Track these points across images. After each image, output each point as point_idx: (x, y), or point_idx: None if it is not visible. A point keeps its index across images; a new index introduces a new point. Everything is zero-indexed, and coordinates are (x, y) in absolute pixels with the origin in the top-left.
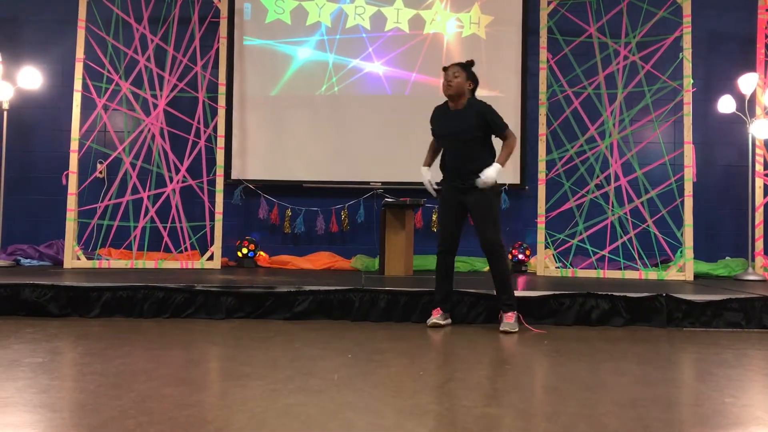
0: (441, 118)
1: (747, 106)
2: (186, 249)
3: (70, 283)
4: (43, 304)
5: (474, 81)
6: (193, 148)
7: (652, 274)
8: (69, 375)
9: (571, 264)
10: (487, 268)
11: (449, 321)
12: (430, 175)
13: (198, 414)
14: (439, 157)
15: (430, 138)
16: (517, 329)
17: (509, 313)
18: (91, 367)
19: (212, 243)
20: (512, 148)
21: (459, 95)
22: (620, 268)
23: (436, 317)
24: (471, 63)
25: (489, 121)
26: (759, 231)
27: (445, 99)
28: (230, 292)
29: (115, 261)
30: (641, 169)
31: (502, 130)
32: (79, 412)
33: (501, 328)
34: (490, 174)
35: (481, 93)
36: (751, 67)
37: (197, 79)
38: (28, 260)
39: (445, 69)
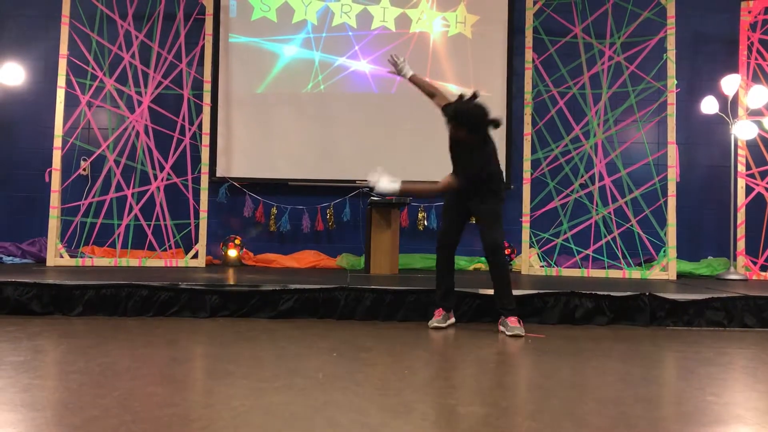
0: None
1: (729, 107)
2: (170, 247)
3: (52, 281)
4: (25, 303)
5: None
6: (177, 146)
7: (636, 274)
8: (51, 374)
9: (555, 263)
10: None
11: (452, 321)
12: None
13: (182, 413)
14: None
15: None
16: (524, 333)
17: (512, 318)
18: (73, 365)
19: (197, 241)
20: None
21: None
22: (604, 268)
23: (437, 319)
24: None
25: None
26: (741, 231)
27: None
28: (215, 290)
29: (99, 259)
30: (625, 169)
31: None
32: (61, 411)
33: (508, 333)
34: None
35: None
36: (733, 68)
37: (182, 77)
38: (11, 258)
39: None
